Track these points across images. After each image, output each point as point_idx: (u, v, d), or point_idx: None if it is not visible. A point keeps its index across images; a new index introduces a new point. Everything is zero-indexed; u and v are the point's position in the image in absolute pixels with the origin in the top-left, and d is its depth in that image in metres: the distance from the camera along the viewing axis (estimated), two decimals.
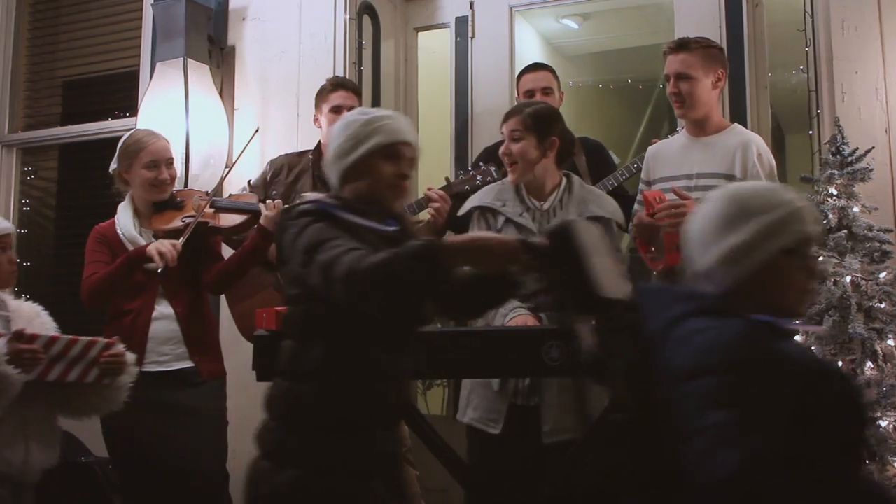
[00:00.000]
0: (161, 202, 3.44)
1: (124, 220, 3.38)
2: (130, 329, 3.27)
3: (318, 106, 3.85)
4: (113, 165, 3.44)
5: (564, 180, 3.20)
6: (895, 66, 3.58)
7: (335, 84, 3.86)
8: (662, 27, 6.02)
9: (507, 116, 3.17)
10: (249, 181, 3.89)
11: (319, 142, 3.90)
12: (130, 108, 4.91)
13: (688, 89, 3.20)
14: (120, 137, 3.51)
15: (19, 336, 2.69)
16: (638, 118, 7.24)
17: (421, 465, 3.81)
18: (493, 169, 3.53)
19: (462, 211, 3.30)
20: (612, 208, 3.17)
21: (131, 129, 4.02)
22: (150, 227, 3.42)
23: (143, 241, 3.32)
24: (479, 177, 3.55)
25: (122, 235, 3.35)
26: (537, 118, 3.11)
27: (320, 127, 3.86)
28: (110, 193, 3.54)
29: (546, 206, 3.16)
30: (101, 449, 4.24)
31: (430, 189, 3.60)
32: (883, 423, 3.06)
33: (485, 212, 3.20)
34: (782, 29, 4.40)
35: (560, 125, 3.17)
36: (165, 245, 3.22)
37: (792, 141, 5.72)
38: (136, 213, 3.43)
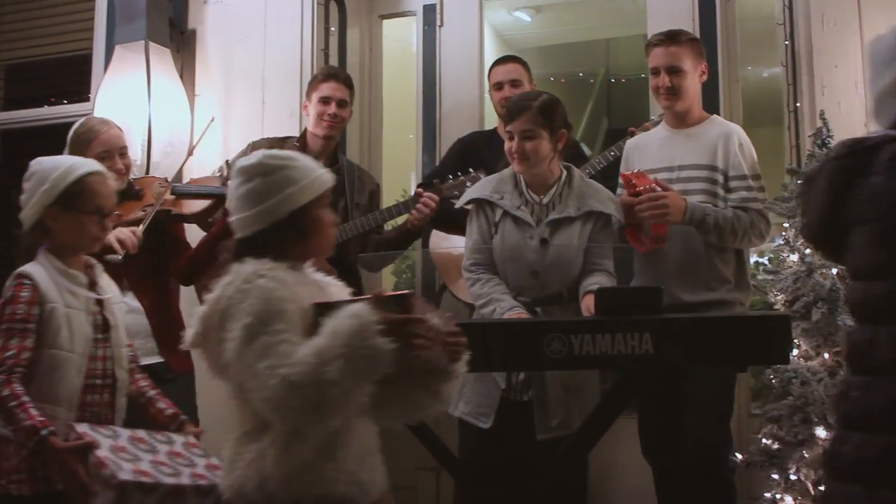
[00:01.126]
0: (119, 192, 3.28)
1: None
2: None
3: (308, 94, 3.78)
4: None
5: (565, 173, 3.14)
6: None
7: (327, 74, 3.79)
8: (616, 21, 6.06)
9: (515, 114, 3.04)
10: (227, 161, 3.76)
11: (306, 129, 3.81)
12: (81, 93, 4.73)
13: (678, 82, 3.21)
14: (70, 123, 3.36)
15: (395, 298, 1.91)
16: (595, 112, 7.28)
17: (387, 461, 3.73)
18: (482, 175, 3.48)
19: (460, 203, 3.25)
20: (612, 203, 3.12)
21: (84, 114, 3.87)
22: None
23: None
24: (468, 183, 3.50)
25: None
26: (546, 112, 3.02)
27: (308, 115, 3.77)
28: None
29: (545, 200, 3.10)
30: None
31: (421, 192, 3.56)
32: None
33: (483, 204, 3.15)
34: (748, 25, 4.44)
35: (564, 114, 3.10)
36: (124, 232, 3.11)
37: None
38: None
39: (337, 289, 2.18)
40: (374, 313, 1.81)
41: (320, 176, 2.12)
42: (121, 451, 2.25)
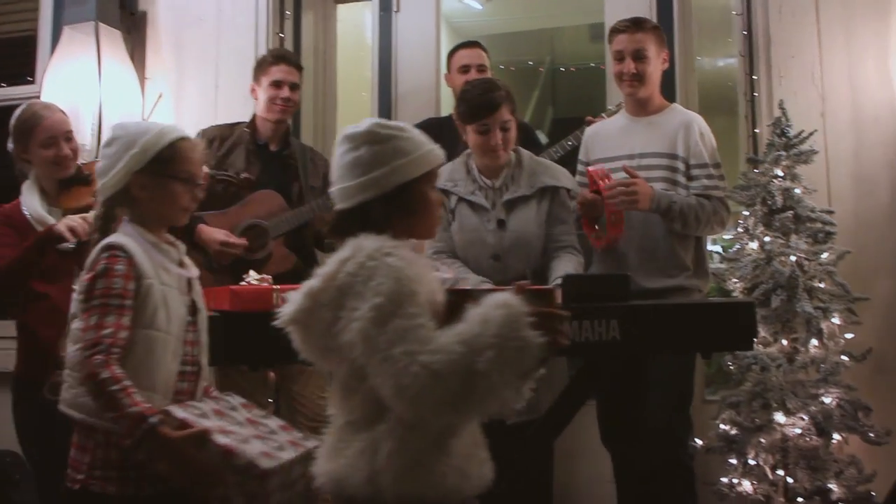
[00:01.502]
0: (67, 178, 3.21)
1: (30, 200, 3.14)
2: (50, 313, 3.04)
3: (256, 78, 3.68)
4: (10, 145, 3.19)
5: (514, 155, 3.16)
6: (831, 51, 3.68)
7: (277, 57, 3.70)
8: (563, 11, 6.10)
9: (494, 107, 3.01)
10: None
11: (255, 115, 3.73)
12: (25, 76, 4.61)
13: (643, 68, 3.22)
14: (13, 106, 3.27)
15: (539, 291, 1.75)
16: (541, 101, 7.31)
17: None
18: None
19: None
20: (563, 176, 3.16)
21: (29, 97, 3.78)
22: (58, 206, 3.18)
23: (53, 222, 3.07)
24: None
25: (29, 217, 3.10)
26: (513, 99, 3.06)
27: (256, 99, 3.69)
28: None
29: (498, 183, 3.11)
30: None
31: None
32: (827, 400, 3.14)
33: None
34: (702, 14, 4.48)
35: None
36: (74, 219, 2.99)
37: None
38: (43, 192, 3.19)
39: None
40: (524, 304, 1.68)
41: (432, 151, 1.95)
42: (228, 434, 2.08)
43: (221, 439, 2.04)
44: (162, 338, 2.17)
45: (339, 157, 1.94)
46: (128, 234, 2.21)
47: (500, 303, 1.69)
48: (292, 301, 1.85)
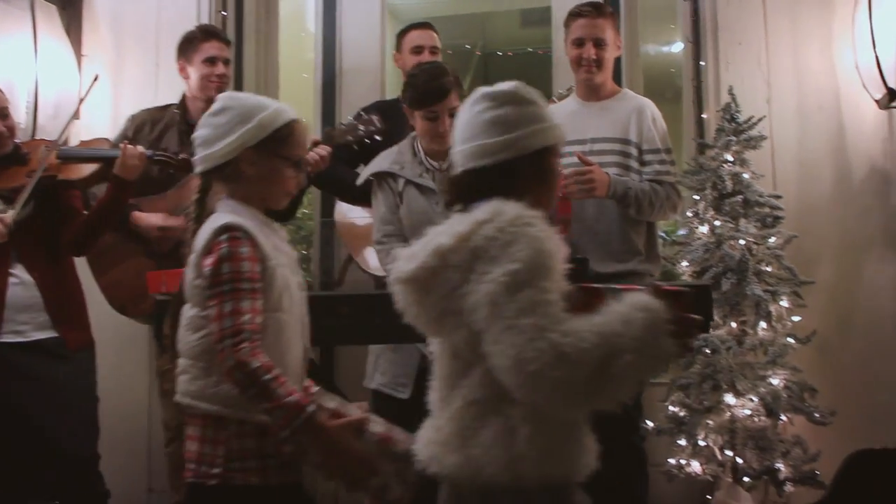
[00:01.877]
0: (2, 157, 3.12)
1: None
2: None
3: (186, 56, 3.56)
4: None
5: None
6: (777, 37, 3.73)
7: (207, 33, 3.60)
8: None
9: (444, 94, 2.97)
10: (107, 139, 3.54)
11: (185, 94, 3.62)
12: None
13: (602, 54, 3.23)
14: None
15: (676, 294, 1.67)
16: (473, 85, 7.29)
17: None
18: (375, 118, 3.31)
19: (360, 180, 3.20)
20: None
21: None
22: None
23: None
24: (361, 127, 3.32)
25: None
26: (460, 84, 3.05)
27: (187, 78, 3.57)
28: None
29: (445, 165, 3.07)
30: None
31: (318, 140, 3.42)
32: (775, 381, 3.20)
33: (384, 177, 3.12)
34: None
35: None
36: None
37: None
38: None
39: None
40: (665, 309, 1.61)
41: (560, 125, 1.91)
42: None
43: (377, 427, 1.97)
44: (288, 320, 2.08)
45: (474, 115, 1.86)
46: (237, 212, 2.09)
47: (642, 305, 1.62)
48: (411, 258, 1.78)
